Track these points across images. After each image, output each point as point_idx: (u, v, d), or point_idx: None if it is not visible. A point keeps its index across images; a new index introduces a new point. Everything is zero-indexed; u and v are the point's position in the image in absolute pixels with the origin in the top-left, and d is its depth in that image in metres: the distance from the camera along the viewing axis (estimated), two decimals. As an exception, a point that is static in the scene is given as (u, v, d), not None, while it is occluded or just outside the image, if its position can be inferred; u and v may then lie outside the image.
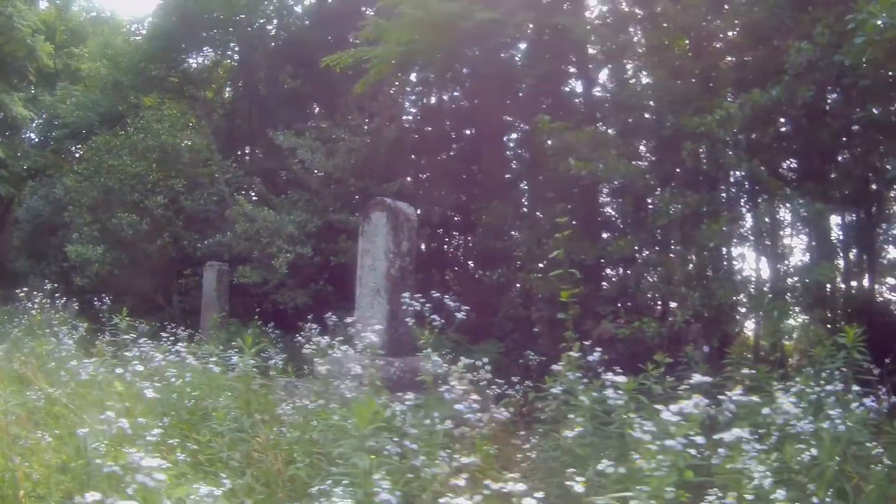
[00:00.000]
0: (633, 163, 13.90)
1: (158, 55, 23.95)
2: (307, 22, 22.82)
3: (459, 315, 7.36)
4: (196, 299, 19.05)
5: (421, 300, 7.36)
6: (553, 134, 13.65)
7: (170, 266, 19.80)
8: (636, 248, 14.02)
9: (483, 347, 13.73)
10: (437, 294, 7.52)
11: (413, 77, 20.59)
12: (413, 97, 22.04)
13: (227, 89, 27.69)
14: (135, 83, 24.24)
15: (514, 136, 20.29)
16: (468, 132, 20.96)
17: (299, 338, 11.44)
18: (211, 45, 25.09)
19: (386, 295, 10.94)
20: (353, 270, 17.68)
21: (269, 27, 24.95)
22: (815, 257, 13.30)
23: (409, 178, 18.39)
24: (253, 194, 20.13)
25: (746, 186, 13.91)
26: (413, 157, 20.26)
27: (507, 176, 19.54)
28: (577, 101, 18.20)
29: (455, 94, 21.48)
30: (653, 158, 14.76)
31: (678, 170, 13.69)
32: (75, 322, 13.32)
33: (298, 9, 24.08)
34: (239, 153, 24.72)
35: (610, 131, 15.32)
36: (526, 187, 19.29)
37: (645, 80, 15.51)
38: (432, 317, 7.31)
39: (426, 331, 6.93)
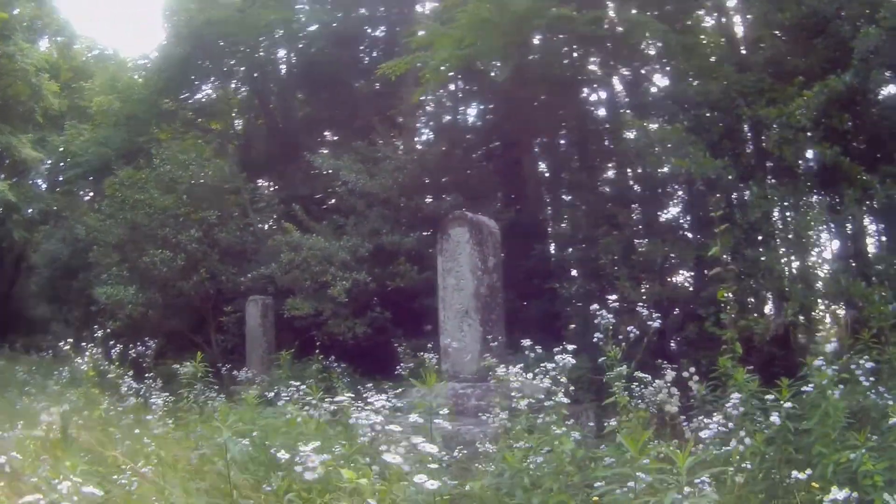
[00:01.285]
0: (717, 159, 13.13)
1: (171, 87, 23.01)
2: (321, 47, 21.86)
3: (654, 324, 6.23)
4: (237, 337, 17.98)
5: (598, 310, 6.15)
6: (639, 131, 13.39)
7: (205, 303, 18.65)
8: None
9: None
10: (616, 302, 6.30)
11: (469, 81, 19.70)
12: (451, 108, 21.21)
13: (237, 120, 26.65)
14: (150, 116, 23.24)
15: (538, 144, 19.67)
16: (499, 143, 20.14)
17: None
18: (223, 76, 24.06)
19: (477, 316, 10.21)
20: (412, 295, 16.95)
21: (281, 53, 24.11)
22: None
23: (458, 195, 17.27)
24: (273, 218, 19.09)
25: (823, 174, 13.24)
26: (460, 171, 19.20)
27: (564, 182, 18.79)
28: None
29: (485, 104, 20.60)
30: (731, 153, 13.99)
31: (753, 162, 13.76)
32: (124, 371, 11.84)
33: (303, 35, 23.04)
34: (258, 183, 23.77)
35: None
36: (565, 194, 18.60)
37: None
38: (629, 329, 6.13)
39: (614, 347, 5.77)
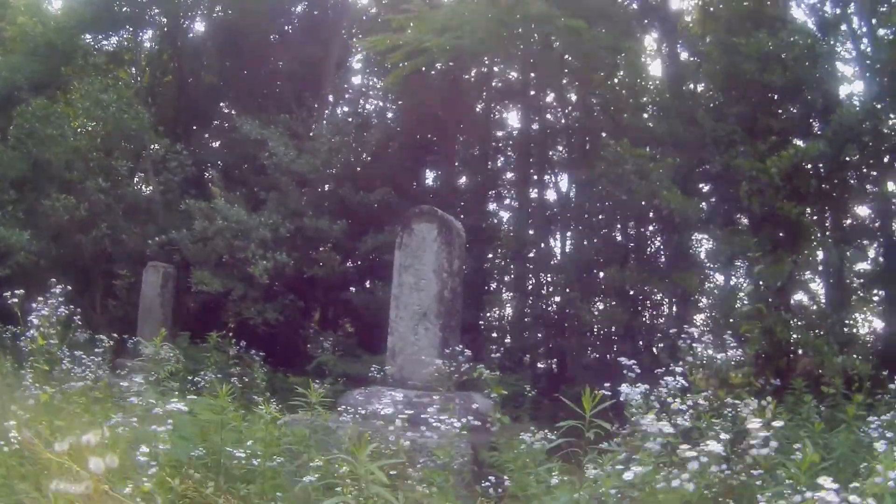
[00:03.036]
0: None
1: (93, 24, 21.20)
2: (241, 9, 20.56)
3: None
4: (129, 305, 16.45)
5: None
6: (631, 160, 13.41)
7: (97, 263, 17.10)
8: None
9: (504, 381, 12.07)
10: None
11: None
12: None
13: (138, 73, 24.86)
14: (70, 48, 21.36)
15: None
16: (423, 143, 19.90)
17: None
18: (140, 24, 22.37)
19: (437, 320, 9.38)
20: (329, 286, 15.92)
21: (203, 9, 22.79)
22: (840, 298, 13.31)
23: (389, 189, 16.35)
24: (182, 179, 17.77)
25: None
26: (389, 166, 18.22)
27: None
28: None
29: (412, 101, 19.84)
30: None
31: (726, 208, 14.37)
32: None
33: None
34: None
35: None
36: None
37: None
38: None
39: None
